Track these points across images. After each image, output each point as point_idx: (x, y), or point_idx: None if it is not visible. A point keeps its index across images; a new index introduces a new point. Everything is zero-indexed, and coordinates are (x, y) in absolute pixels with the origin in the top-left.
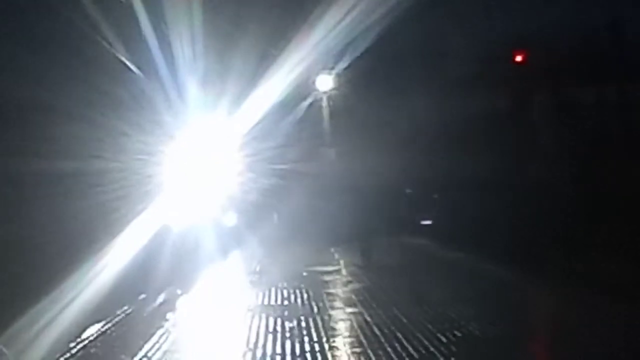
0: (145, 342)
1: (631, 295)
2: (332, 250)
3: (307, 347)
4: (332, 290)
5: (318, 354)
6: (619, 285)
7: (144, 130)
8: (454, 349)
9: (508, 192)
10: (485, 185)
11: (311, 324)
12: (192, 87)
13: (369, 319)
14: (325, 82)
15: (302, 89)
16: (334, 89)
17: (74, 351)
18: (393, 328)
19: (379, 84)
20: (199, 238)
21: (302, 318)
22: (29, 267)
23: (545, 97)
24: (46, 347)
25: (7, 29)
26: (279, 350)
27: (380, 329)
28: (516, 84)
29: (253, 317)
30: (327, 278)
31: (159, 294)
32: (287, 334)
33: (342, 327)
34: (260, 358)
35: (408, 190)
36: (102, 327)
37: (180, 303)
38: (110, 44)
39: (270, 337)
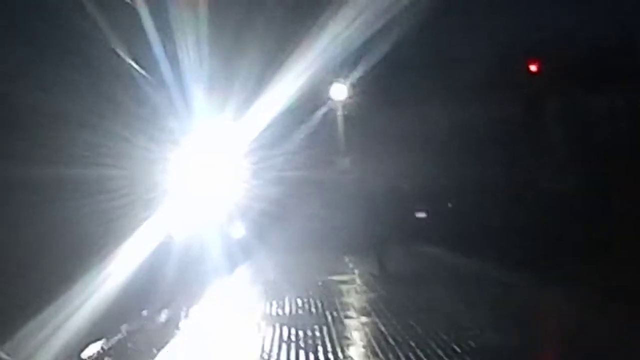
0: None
1: None
2: (347, 259)
3: (322, 358)
4: (346, 300)
5: None
6: (636, 292)
7: (149, 136)
8: (468, 359)
9: (520, 200)
10: (498, 193)
11: (325, 333)
12: (199, 93)
13: (383, 328)
14: (340, 91)
15: (316, 97)
16: (348, 97)
17: None
18: (407, 337)
19: (393, 92)
20: (205, 249)
21: (317, 327)
22: (27, 276)
23: (557, 104)
24: None
25: (13, 35)
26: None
27: (394, 339)
28: (529, 91)
29: (266, 327)
30: (341, 287)
31: (162, 309)
32: (302, 344)
33: (356, 336)
34: None
35: (419, 208)
36: (103, 346)
37: (185, 320)
38: (115, 48)
39: (284, 346)
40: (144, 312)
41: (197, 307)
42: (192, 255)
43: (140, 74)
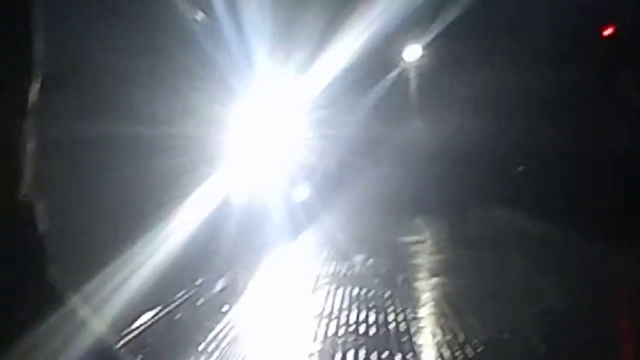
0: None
1: None
2: (418, 220)
3: (391, 317)
4: (416, 261)
5: (402, 324)
6: None
7: (212, 96)
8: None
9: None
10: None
11: (395, 294)
12: (262, 52)
13: (453, 290)
14: (413, 53)
15: (388, 58)
16: (421, 58)
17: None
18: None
19: (467, 55)
20: (267, 213)
21: (386, 288)
22: (94, 233)
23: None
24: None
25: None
26: (362, 319)
27: (463, 300)
28: (603, 57)
29: (335, 289)
30: (412, 249)
31: (218, 278)
32: (371, 305)
33: (425, 298)
34: (344, 325)
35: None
36: (157, 314)
37: (243, 288)
38: (179, 7)
39: (354, 307)
40: (200, 281)
41: (258, 274)
42: (253, 219)
43: (203, 32)
